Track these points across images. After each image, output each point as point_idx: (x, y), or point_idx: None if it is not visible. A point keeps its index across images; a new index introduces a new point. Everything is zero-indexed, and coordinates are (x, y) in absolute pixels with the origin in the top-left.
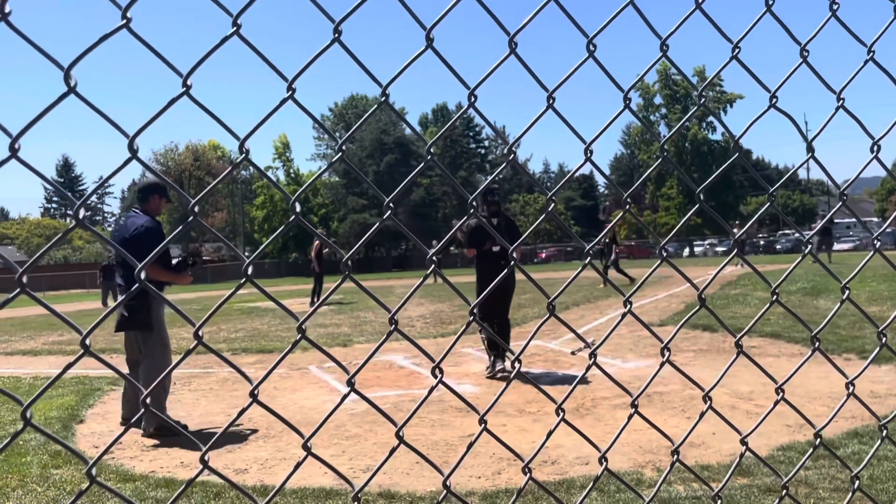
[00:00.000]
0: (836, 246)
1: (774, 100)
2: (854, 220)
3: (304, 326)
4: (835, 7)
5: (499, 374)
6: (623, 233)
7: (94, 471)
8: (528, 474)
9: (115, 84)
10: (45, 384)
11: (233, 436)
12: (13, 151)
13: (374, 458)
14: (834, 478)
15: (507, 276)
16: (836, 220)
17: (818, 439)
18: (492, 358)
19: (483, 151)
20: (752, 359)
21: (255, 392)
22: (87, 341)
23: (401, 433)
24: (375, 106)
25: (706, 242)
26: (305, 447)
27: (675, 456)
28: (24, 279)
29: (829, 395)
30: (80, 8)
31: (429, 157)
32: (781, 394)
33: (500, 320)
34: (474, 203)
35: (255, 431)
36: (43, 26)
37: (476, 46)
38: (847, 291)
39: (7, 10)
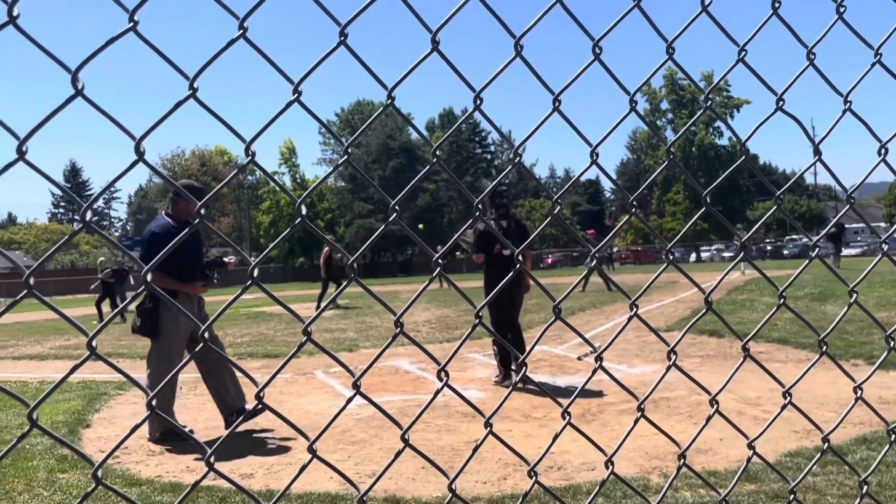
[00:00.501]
0: (844, 251)
1: (781, 102)
2: (861, 225)
3: (309, 329)
4: (841, 10)
5: (505, 383)
6: (629, 238)
7: (99, 473)
8: (535, 479)
9: (121, 88)
10: (52, 387)
11: (238, 441)
12: (20, 154)
13: (379, 464)
14: (842, 484)
15: (514, 280)
16: (844, 226)
17: (826, 444)
18: (502, 372)
19: (489, 157)
20: (760, 363)
21: (261, 394)
22: (94, 343)
23: (406, 437)
24: (382, 108)
25: (713, 248)
26: (311, 450)
27: (682, 461)
28: (31, 281)
29: (837, 400)
30: (87, 11)
31: (434, 160)
32: (789, 398)
33: (511, 327)
34: (481, 206)
35: (260, 436)
36: (50, 29)
37: (482, 53)
38: (855, 295)
39: (15, 14)
